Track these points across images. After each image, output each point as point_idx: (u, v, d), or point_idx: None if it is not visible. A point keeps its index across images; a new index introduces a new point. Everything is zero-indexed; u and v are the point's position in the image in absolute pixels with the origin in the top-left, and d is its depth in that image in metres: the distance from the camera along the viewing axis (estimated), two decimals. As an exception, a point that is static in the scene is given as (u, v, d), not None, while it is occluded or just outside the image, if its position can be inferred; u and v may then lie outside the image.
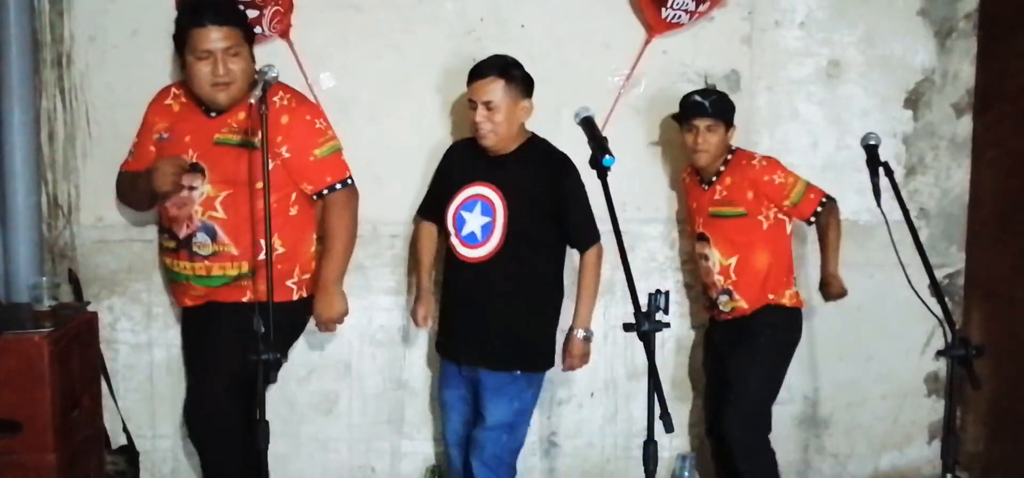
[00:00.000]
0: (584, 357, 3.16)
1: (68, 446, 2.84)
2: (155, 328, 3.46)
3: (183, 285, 3.00)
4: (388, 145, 3.48)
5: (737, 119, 3.60)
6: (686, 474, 3.72)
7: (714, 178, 3.34)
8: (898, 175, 3.20)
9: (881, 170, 2.93)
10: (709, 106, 3.26)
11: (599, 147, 2.49)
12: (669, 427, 2.15)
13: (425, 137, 3.48)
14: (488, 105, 2.99)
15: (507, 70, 3.03)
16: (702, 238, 3.39)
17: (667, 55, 3.60)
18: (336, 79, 3.45)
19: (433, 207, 3.27)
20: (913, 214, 3.28)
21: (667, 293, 2.31)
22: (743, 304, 3.32)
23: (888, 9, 3.72)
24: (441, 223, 3.21)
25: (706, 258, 3.38)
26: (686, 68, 3.63)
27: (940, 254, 3.86)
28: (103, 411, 3.31)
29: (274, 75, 2.67)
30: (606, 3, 3.53)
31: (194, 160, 2.88)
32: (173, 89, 3.06)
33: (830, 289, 3.35)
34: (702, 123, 3.25)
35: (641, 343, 2.26)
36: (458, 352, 3.18)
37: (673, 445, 3.74)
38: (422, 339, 3.62)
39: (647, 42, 3.53)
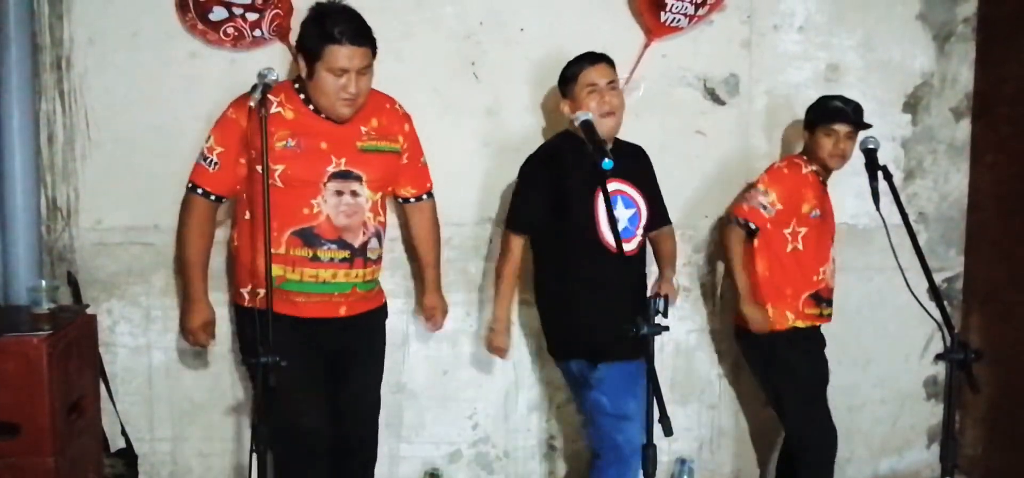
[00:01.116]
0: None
1: (66, 449, 2.83)
2: (154, 331, 3.45)
3: (346, 295, 2.94)
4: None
5: (736, 123, 3.63)
6: (685, 477, 3.73)
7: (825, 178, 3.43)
8: (897, 179, 3.21)
9: (880, 174, 2.93)
10: (854, 113, 3.30)
11: (598, 150, 2.50)
12: (668, 431, 2.15)
13: (425, 141, 3.47)
14: (612, 85, 3.09)
15: (609, 57, 3.15)
16: (831, 241, 3.46)
17: (666, 59, 3.60)
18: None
19: (537, 218, 3.16)
20: (912, 218, 3.29)
21: (666, 297, 2.32)
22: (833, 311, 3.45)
23: (887, 13, 3.73)
24: (538, 233, 3.19)
25: (833, 261, 3.44)
26: (685, 72, 3.64)
27: (939, 258, 3.86)
28: (102, 414, 3.30)
29: (274, 78, 2.66)
30: (605, 6, 3.54)
31: (343, 167, 2.86)
32: (277, 95, 2.86)
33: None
34: (851, 128, 3.29)
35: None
36: (623, 347, 2.87)
37: (672, 449, 3.74)
38: (420, 342, 3.61)
39: (646, 45, 3.54)
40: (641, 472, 2.32)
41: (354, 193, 2.88)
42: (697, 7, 3.46)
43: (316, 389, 2.94)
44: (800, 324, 3.37)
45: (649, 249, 3.34)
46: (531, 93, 3.52)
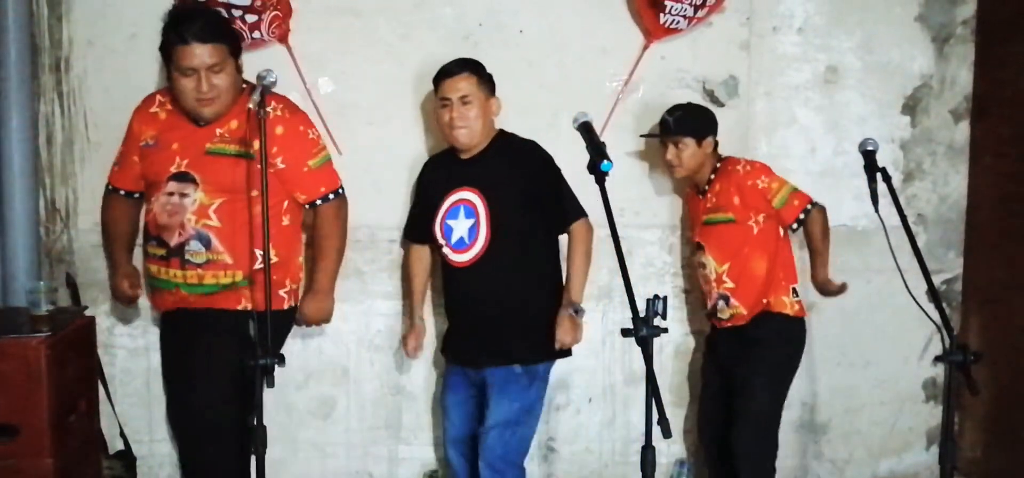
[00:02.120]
0: (573, 332, 3.11)
1: (65, 451, 2.83)
2: (152, 333, 3.45)
3: (171, 292, 2.96)
4: (386, 150, 3.49)
5: (735, 125, 3.61)
6: (684, 479, 3.73)
7: (706, 187, 3.37)
8: (896, 181, 3.21)
9: (879, 176, 2.92)
10: (672, 123, 3.32)
11: (597, 152, 2.49)
12: (667, 433, 2.15)
13: (423, 142, 3.48)
14: (464, 100, 3.06)
15: (476, 66, 3.12)
16: (698, 247, 3.42)
17: (665, 61, 3.60)
18: (335, 84, 3.45)
19: (418, 227, 3.31)
20: (911, 220, 3.28)
21: (665, 298, 2.31)
22: (741, 310, 3.32)
23: (886, 15, 3.73)
24: (429, 241, 3.26)
25: (703, 266, 3.40)
26: (684, 74, 3.64)
27: (938, 260, 3.85)
28: (100, 416, 3.30)
29: (272, 80, 2.66)
30: (604, 8, 3.53)
31: (184, 169, 2.87)
32: (158, 96, 3.03)
33: (826, 291, 3.36)
34: (669, 140, 3.32)
35: (639, 348, 2.26)
36: (462, 355, 3.23)
37: (671, 451, 3.73)
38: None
39: (645, 47, 3.54)
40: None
41: (182, 194, 2.87)
42: (696, 9, 3.46)
43: (173, 383, 3.18)
44: (792, 314, 3.36)
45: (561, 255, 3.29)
46: (529, 95, 3.51)
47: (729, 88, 3.67)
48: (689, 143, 3.30)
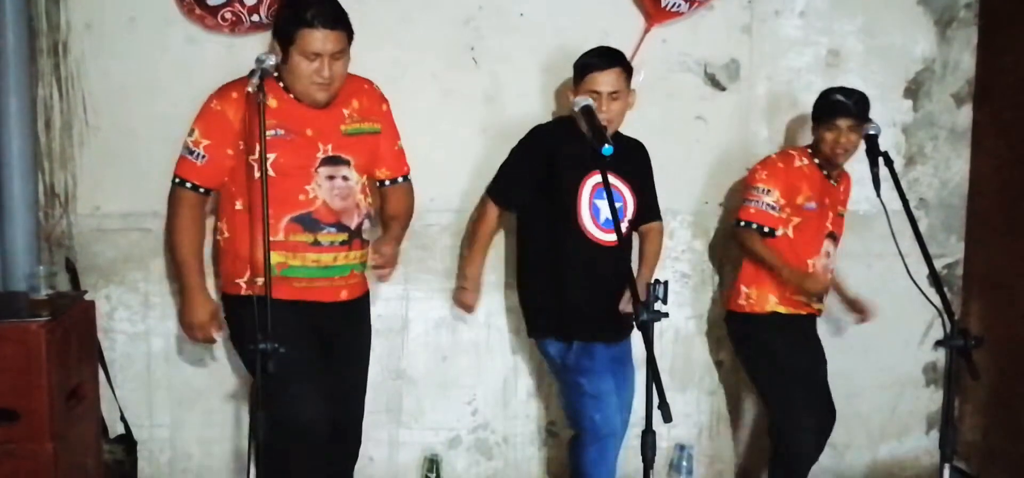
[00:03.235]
0: None
1: (65, 435, 2.84)
2: (152, 317, 3.45)
3: (344, 278, 2.97)
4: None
5: (736, 109, 3.60)
6: (684, 464, 3.74)
7: (839, 176, 3.42)
8: (898, 165, 3.21)
9: (880, 160, 2.93)
10: (853, 106, 3.25)
11: (597, 137, 2.49)
12: (667, 417, 2.15)
13: (423, 126, 3.46)
14: (613, 95, 3.04)
15: (624, 60, 3.12)
16: (832, 237, 3.43)
17: (666, 44, 3.59)
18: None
19: (519, 193, 3.26)
20: (912, 204, 3.28)
21: (666, 283, 2.31)
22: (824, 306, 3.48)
23: (888, -1, 3.72)
24: (517, 209, 3.31)
25: (828, 256, 3.42)
26: (685, 57, 3.63)
27: (939, 244, 3.85)
28: (101, 400, 3.31)
29: (272, 63, 2.66)
30: (605, -9, 3.52)
31: (331, 152, 2.87)
32: (246, 85, 2.73)
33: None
34: (845, 123, 3.24)
35: (640, 333, 2.26)
36: (603, 330, 3.18)
37: (671, 435, 3.74)
38: (420, 330, 3.61)
39: (646, 31, 3.52)
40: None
41: (345, 177, 2.89)
42: (697, -8, 3.45)
43: (315, 378, 2.91)
44: (782, 309, 3.37)
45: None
46: (530, 79, 3.50)
47: (730, 72, 3.66)
48: (859, 128, 3.23)
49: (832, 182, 3.38)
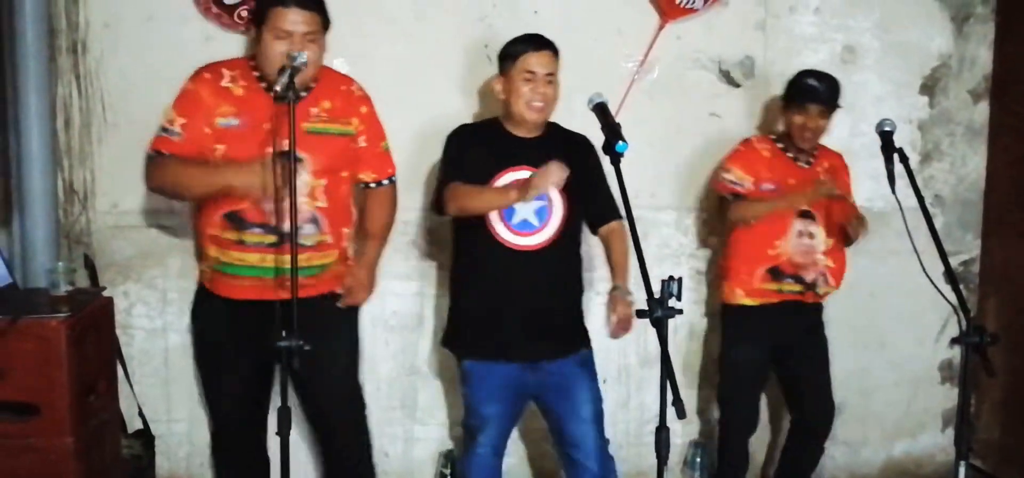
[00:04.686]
0: (630, 312, 2.91)
1: (84, 430, 2.86)
2: (170, 313, 3.48)
3: (276, 280, 2.82)
4: (401, 131, 3.46)
5: (751, 105, 3.59)
6: (698, 460, 3.74)
7: (812, 157, 3.39)
8: (913, 162, 3.19)
9: (896, 157, 2.91)
10: (823, 92, 3.26)
11: (612, 133, 2.49)
12: (681, 413, 2.15)
13: (438, 123, 3.46)
14: (549, 78, 2.93)
15: (554, 45, 2.98)
16: (807, 215, 3.35)
17: (681, 41, 3.59)
18: (350, 65, 3.44)
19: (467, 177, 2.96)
20: (928, 201, 3.26)
21: (680, 279, 2.30)
22: (832, 289, 3.42)
23: (904, -6, 3.70)
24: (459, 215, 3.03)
25: (811, 236, 3.35)
26: (700, 54, 3.62)
27: (955, 241, 3.84)
28: (119, 395, 3.33)
29: (303, 61, 2.60)
30: (620, -12, 3.52)
31: (286, 148, 2.64)
32: (224, 69, 2.83)
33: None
34: (813, 107, 3.26)
35: (654, 330, 2.26)
36: (512, 349, 2.97)
37: (686, 431, 3.74)
38: (434, 325, 3.62)
39: (660, 28, 3.52)
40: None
41: None
42: (712, -11, 3.45)
43: (238, 374, 2.94)
44: (748, 302, 3.38)
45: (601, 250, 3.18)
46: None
47: (745, 68, 3.66)
48: (829, 113, 3.29)
49: (801, 164, 3.37)
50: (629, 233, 2.70)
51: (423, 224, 3.54)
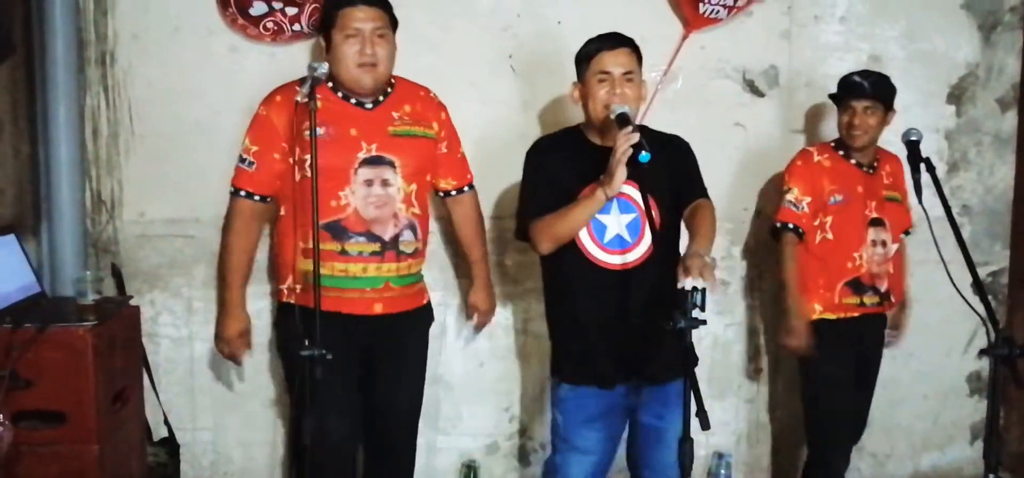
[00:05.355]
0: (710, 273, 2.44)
1: (110, 438, 2.88)
2: (196, 322, 3.50)
3: (376, 290, 2.84)
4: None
5: (776, 115, 3.57)
6: (723, 472, 3.71)
7: (876, 162, 3.32)
8: (940, 171, 3.17)
9: (923, 166, 2.88)
10: (868, 86, 3.20)
11: (635, 144, 2.48)
12: (705, 425, 2.14)
13: (462, 133, 3.48)
14: (627, 76, 2.67)
15: (634, 43, 2.75)
16: (879, 223, 3.28)
17: (705, 50, 3.57)
18: (373, 76, 3.46)
19: (551, 209, 2.68)
20: (956, 211, 3.21)
21: (704, 290, 2.29)
22: (893, 300, 3.36)
23: (930, 3, 3.68)
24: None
25: (884, 244, 3.28)
26: (724, 64, 3.61)
27: (983, 252, 3.80)
28: (145, 404, 3.36)
29: (324, 71, 2.60)
30: (643, -2, 3.52)
31: (375, 152, 2.80)
32: (297, 87, 2.72)
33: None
34: (859, 103, 3.21)
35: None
36: (613, 375, 2.74)
37: (710, 443, 3.72)
38: (457, 335, 3.63)
39: (684, 37, 3.51)
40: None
41: (384, 183, 2.81)
42: (736, -2, 3.44)
43: (345, 391, 2.85)
44: (829, 316, 3.28)
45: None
46: (568, 86, 3.50)
47: (769, 78, 3.64)
48: (878, 111, 3.22)
49: (866, 170, 3.29)
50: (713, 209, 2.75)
51: (448, 233, 3.54)
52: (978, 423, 3.92)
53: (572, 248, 2.69)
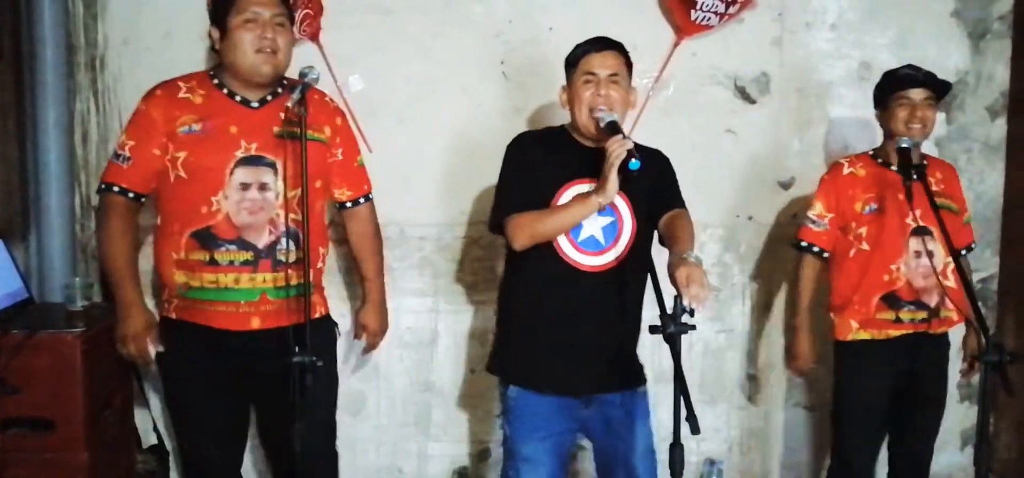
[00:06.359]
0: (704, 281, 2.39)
1: (100, 445, 2.87)
2: (185, 328, 3.48)
3: (252, 303, 2.64)
4: (417, 147, 3.49)
5: (767, 122, 3.57)
6: (713, 477, 3.71)
7: (924, 165, 3.06)
8: (931, 178, 3.16)
9: (913, 173, 2.89)
10: (923, 77, 3.01)
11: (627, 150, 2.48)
12: (695, 429, 2.13)
13: (453, 140, 3.48)
14: (613, 78, 2.64)
15: (623, 48, 2.73)
16: (923, 231, 3.00)
17: (696, 57, 3.58)
18: (365, 82, 3.46)
19: (528, 203, 2.65)
20: (946, 217, 3.24)
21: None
22: (953, 315, 3.10)
23: (921, 11, 3.68)
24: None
25: (931, 255, 2.99)
26: (715, 70, 3.62)
27: (974, 258, 3.80)
28: (134, 410, 3.34)
29: (315, 76, 2.53)
30: (635, 5, 3.52)
31: (255, 151, 2.61)
32: (180, 83, 2.67)
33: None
34: (919, 94, 3.01)
35: (667, 345, 2.25)
36: (570, 382, 2.69)
37: (700, 449, 3.71)
38: (448, 341, 3.62)
39: (676, 44, 3.52)
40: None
41: (263, 186, 2.61)
42: (728, 5, 3.44)
43: (220, 410, 2.76)
44: (865, 335, 3.12)
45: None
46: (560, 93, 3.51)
47: (761, 85, 3.65)
48: (935, 104, 3.03)
49: (910, 176, 2.94)
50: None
51: (439, 240, 3.54)
52: (968, 429, 3.92)
53: (547, 245, 2.64)
